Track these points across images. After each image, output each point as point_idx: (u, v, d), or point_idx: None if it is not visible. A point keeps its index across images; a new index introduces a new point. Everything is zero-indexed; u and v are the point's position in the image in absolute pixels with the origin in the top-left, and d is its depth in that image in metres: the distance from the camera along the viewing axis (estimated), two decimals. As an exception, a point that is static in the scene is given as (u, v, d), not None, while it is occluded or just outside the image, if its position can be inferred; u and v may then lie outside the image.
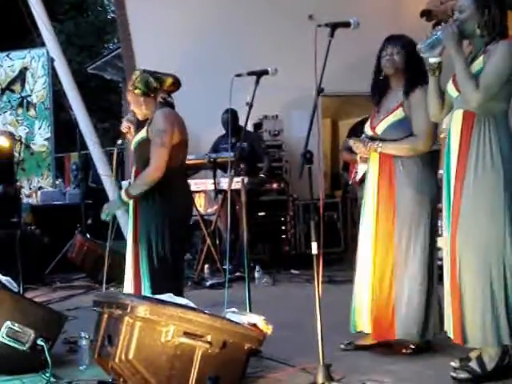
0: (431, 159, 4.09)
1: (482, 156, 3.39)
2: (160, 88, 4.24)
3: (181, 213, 4.29)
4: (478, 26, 3.43)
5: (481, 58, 3.42)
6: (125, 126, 4.46)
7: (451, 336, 3.49)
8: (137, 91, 4.20)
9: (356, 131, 7.38)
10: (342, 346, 4.08)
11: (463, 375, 3.40)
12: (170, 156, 4.10)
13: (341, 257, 8.56)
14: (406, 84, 4.00)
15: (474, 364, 3.43)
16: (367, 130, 4.18)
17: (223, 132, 8.04)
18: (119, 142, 4.74)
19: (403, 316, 3.90)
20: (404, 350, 3.98)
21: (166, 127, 4.11)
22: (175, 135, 4.15)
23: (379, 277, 4.00)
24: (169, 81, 4.27)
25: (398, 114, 4.00)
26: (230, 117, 7.05)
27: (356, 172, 7.11)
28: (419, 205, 3.94)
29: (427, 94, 3.65)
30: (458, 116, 3.49)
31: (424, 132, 3.92)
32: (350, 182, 7.42)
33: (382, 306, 3.98)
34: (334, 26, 3.67)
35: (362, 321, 4.08)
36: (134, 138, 4.30)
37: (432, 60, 3.51)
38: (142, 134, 4.21)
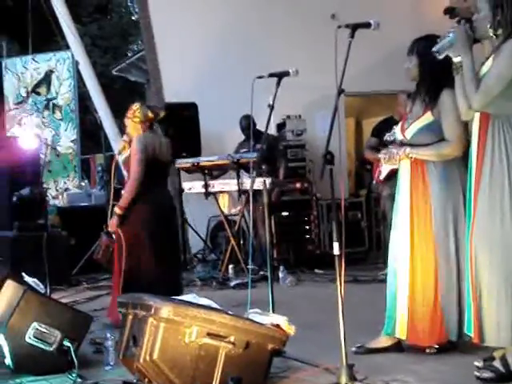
0: (464, 158, 4.02)
1: (497, 156, 3.38)
2: (154, 118, 5.24)
3: (149, 218, 5.07)
4: (491, 26, 3.42)
5: (490, 59, 3.42)
6: (122, 144, 5.30)
7: (471, 335, 3.49)
8: (135, 119, 5.17)
9: (379, 130, 7.37)
10: (354, 349, 3.98)
11: (487, 374, 3.39)
12: (146, 170, 5.01)
13: (365, 256, 8.55)
14: (430, 89, 3.97)
15: (497, 363, 3.41)
16: (398, 133, 4.15)
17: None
18: (117, 154, 5.40)
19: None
20: (428, 350, 3.96)
21: (140, 148, 5.03)
22: (149, 154, 5.05)
23: (421, 281, 3.92)
24: (162, 114, 5.38)
25: (427, 118, 3.96)
26: (247, 123, 7.12)
27: (380, 171, 7.09)
28: (456, 204, 3.90)
29: (455, 94, 3.61)
30: (476, 117, 3.50)
31: (456, 136, 3.86)
32: (374, 182, 7.41)
33: (428, 310, 3.90)
34: (354, 27, 3.67)
35: (401, 326, 3.98)
36: (122, 156, 5.25)
37: (456, 59, 3.50)
38: (127, 153, 5.15)
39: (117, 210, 5.10)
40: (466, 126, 3.80)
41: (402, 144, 4.06)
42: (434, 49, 3.54)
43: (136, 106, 5.23)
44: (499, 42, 3.40)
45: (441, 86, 3.87)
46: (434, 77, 3.93)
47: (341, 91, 3.59)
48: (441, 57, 3.55)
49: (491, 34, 3.44)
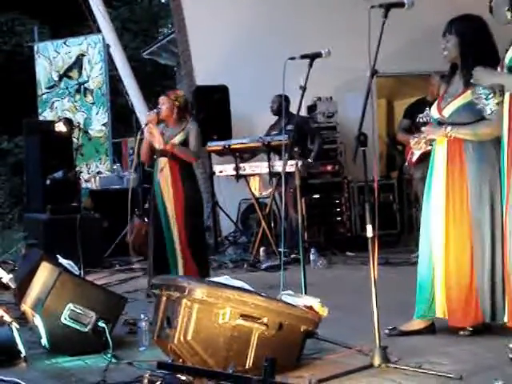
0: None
1: None
2: (188, 111, 5.77)
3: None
4: (508, 9, 3.40)
5: None
6: (153, 116, 5.55)
7: (505, 319, 3.46)
8: (176, 103, 5.57)
9: (412, 112, 7.32)
10: (386, 331, 3.97)
11: (521, 357, 3.37)
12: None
13: (397, 238, 8.51)
14: (471, 68, 3.92)
15: (532, 346, 3.39)
16: (434, 112, 4.10)
17: (275, 117, 8.10)
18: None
19: None
20: (461, 333, 3.94)
21: (199, 132, 5.66)
22: None
23: (455, 261, 3.90)
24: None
25: (466, 97, 3.90)
26: (279, 102, 7.06)
27: (412, 153, 7.04)
28: (495, 184, 3.84)
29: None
30: (506, 99, 3.48)
31: (497, 116, 3.77)
32: (406, 163, 7.36)
33: (463, 291, 3.87)
34: (387, 7, 3.62)
35: (437, 306, 3.98)
36: (176, 139, 5.56)
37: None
38: (181, 136, 5.56)
39: (169, 146, 5.48)
40: None
41: (439, 123, 4.02)
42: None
43: (181, 93, 5.79)
44: None
45: (481, 65, 3.82)
46: (476, 56, 3.87)
47: (374, 72, 3.56)
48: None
49: (510, 18, 3.40)
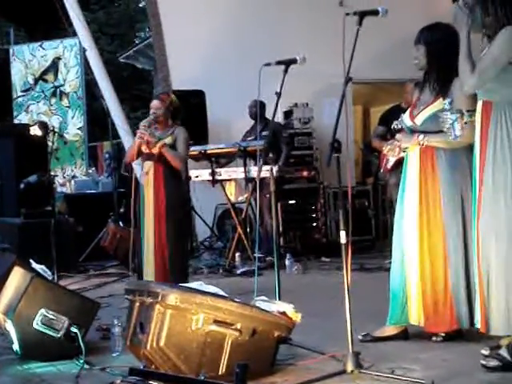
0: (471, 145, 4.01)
1: (499, 144, 3.40)
2: (180, 114, 5.64)
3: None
4: (483, 26, 3.46)
5: (485, 51, 3.45)
6: (151, 121, 5.46)
7: (478, 325, 3.49)
8: (170, 107, 5.51)
9: (387, 118, 7.35)
10: (360, 338, 3.99)
11: (493, 363, 3.38)
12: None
13: (372, 244, 8.55)
14: (439, 77, 3.96)
15: (504, 352, 3.41)
16: (406, 119, 4.13)
17: (252, 122, 8.09)
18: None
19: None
20: (434, 338, 3.96)
21: (188, 137, 5.57)
22: None
23: (430, 267, 3.92)
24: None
25: (438, 104, 3.94)
26: (258, 107, 7.05)
27: (387, 159, 7.08)
28: (466, 190, 3.88)
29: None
30: (479, 106, 3.51)
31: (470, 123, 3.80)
32: (382, 170, 7.40)
33: (438, 297, 3.90)
34: (362, 15, 3.65)
35: (411, 312, 4.00)
36: (161, 143, 5.41)
37: None
38: (170, 140, 5.44)
39: (159, 145, 5.36)
40: None
41: (412, 131, 4.05)
42: None
43: (173, 96, 5.68)
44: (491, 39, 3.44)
45: (451, 74, 3.85)
46: (443, 65, 3.92)
47: (348, 79, 3.58)
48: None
49: (484, 33, 3.47)
